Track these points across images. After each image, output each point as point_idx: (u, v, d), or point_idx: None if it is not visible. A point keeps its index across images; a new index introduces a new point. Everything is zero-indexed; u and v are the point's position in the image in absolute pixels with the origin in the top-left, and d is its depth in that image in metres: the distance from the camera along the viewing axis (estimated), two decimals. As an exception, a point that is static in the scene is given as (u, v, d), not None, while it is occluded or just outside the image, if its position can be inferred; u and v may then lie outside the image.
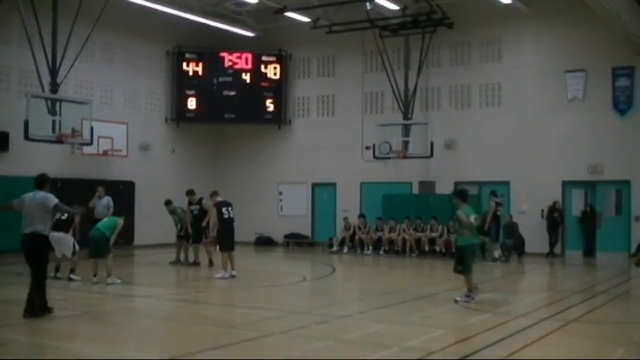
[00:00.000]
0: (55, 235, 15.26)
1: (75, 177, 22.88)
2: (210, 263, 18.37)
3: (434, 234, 23.09)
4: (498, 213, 21.59)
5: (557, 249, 23.12)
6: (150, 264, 20.66)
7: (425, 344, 9.20)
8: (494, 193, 21.95)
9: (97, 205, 19.84)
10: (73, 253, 15.29)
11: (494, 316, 11.41)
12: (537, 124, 23.66)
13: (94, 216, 18.14)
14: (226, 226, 16.37)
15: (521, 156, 23.80)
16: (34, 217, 10.76)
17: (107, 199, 20.40)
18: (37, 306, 10.71)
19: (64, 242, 15.22)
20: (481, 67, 24.86)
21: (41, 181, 11.20)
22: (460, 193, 13.32)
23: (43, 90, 19.77)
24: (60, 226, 15.31)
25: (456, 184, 24.85)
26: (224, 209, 16.34)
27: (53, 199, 10.94)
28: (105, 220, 15.56)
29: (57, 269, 15.44)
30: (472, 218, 12.75)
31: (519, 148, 23.87)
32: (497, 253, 21.25)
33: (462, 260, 12.78)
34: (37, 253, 10.79)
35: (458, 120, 25.00)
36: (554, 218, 22.94)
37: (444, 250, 22.65)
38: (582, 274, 19.72)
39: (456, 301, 12.58)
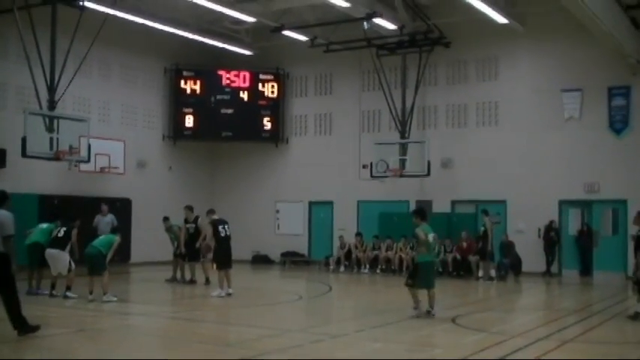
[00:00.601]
0: (51, 252, 15.28)
1: (72, 194, 22.86)
2: (207, 281, 18.33)
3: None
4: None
5: (554, 268, 23.10)
6: (146, 281, 20.60)
7: (421, 363, 9.17)
8: (485, 212, 21.94)
9: (100, 223, 19.86)
10: (69, 270, 15.25)
11: (491, 336, 11.39)
12: (534, 142, 23.71)
13: (97, 233, 18.06)
14: (223, 245, 16.32)
15: (518, 175, 23.82)
16: None
17: (111, 217, 20.45)
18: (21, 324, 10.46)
19: (60, 259, 15.20)
20: (478, 86, 24.94)
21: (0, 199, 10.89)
22: (419, 211, 13.82)
23: (41, 107, 19.80)
24: (56, 243, 15.32)
25: (453, 202, 24.93)
26: (220, 227, 16.31)
27: (10, 228, 10.54)
28: (101, 237, 15.57)
29: (53, 286, 15.40)
30: (430, 237, 13.23)
31: (516, 167, 23.90)
32: (493, 272, 21.23)
33: (415, 275, 13.23)
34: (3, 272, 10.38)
35: (455, 138, 25.05)
36: (551, 237, 22.93)
37: (440, 270, 22.60)
38: (579, 294, 19.70)
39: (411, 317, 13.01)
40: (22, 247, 15.85)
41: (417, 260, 13.57)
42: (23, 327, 10.50)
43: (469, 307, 15.42)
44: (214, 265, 16.56)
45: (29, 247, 15.71)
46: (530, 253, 22.77)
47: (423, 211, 13.90)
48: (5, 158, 21.43)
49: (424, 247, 13.25)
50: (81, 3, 20.19)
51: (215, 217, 16.70)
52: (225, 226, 16.42)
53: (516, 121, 24.15)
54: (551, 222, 23.03)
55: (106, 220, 20.24)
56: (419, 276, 13.15)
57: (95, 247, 15.10)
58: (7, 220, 10.53)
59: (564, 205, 23.56)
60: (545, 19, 23.32)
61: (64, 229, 15.41)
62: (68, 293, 15.13)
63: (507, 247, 22.42)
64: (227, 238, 16.39)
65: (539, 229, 23.23)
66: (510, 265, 22.15)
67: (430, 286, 13.18)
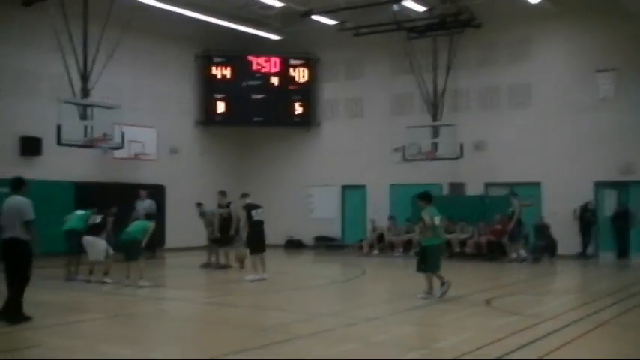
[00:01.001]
0: (88, 239, 15.53)
1: (107, 181, 23.15)
2: (241, 265, 18.45)
3: (464, 235, 22.98)
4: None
5: (590, 250, 22.88)
6: (181, 267, 20.81)
7: (455, 346, 9.16)
8: (514, 194, 21.74)
9: (139, 208, 20.10)
10: (106, 256, 15.48)
11: (525, 318, 11.32)
12: (568, 123, 23.44)
13: (136, 218, 18.22)
14: (256, 229, 16.43)
15: (552, 156, 23.60)
16: (14, 222, 10.48)
17: (149, 202, 20.74)
18: (12, 311, 10.48)
19: (96, 246, 15.44)
20: (510, 68, 24.69)
21: (17, 185, 10.89)
22: (424, 195, 13.79)
23: (75, 95, 20.03)
24: (93, 230, 15.55)
25: (486, 185, 24.77)
26: (253, 211, 16.41)
27: (29, 214, 10.57)
28: (136, 223, 15.71)
29: (90, 272, 15.63)
30: (436, 220, 13.33)
31: (550, 149, 23.67)
32: (523, 252, 21.08)
33: (425, 259, 13.34)
34: (19, 258, 10.53)
35: (487, 121, 24.86)
36: (587, 219, 22.70)
37: (474, 252, 22.55)
38: (615, 276, 19.47)
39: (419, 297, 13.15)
40: (60, 233, 16.17)
41: (424, 244, 13.62)
42: (13, 316, 10.43)
43: (503, 290, 15.35)
44: (248, 250, 16.64)
45: (66, 234, 15.96)
46: (566, 235, 22.56)
47: (428, 194, 13.90)
48: (41, 147, 21.75)
49: (430, 231, 13.34)
50: (112, -9, 20.35)
51: (248, 200, 16.79)
52: (258, 211, 16.52)
53: (550, 102, 23.89)
54: (587, 203, 22.79)
55: (144, 206, 20.50)
56: (428, 259, 13.32)
57: (130, 233, 15.26)
58: (24, 205, 10.59)
59: (600, 186, 23.30)
60: (578, -2, 23.03)
61: (101, 216, 15.62)
62: (105, 279, 15.35)
63: (542, 229, 22.24)
64: (260, 222, 16.48)
65: (575, 211, 23.00)
66: (545, 247, 21.98)
67: (438, 269, 13.39)
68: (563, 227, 22.72)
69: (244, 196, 17.06)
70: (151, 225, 15.67)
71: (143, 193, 21.27)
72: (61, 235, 16.11)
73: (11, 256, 10.50)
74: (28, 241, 10.54)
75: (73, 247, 15.92)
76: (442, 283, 13.27)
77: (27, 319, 10.52)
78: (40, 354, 8.96)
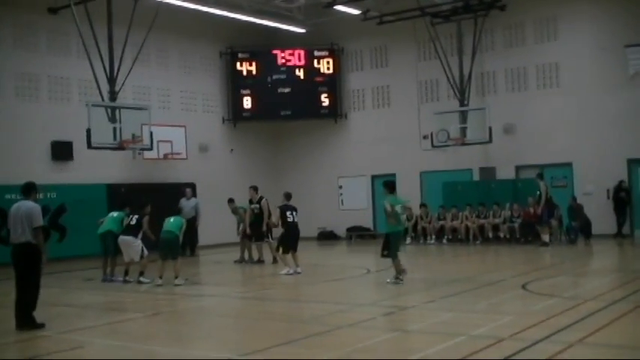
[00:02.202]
0: (124, 239, 15.66)
1: (138, 182, 23.35)
2: (275, 260, 18.52)
3: (497, 220, 22.86)
4: (549, 195, 21.23)
5: (626, 229, 22.61)
6: (215, 263, 20.94)
7: (494, 331, 9.12)
8: (540, 176, 21.51)
9: (185, 206, 20.30)
10: (142, 256, 15.61)
11: (564, 301, 11.25)
12: (598, 102, 23.17)
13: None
14: (291, 230, 16.56)
15: (583, 136, 23.35)
16: (24, 227, 10.35)
17: (195, 201, 20.93)
18: (25, 319, 10.34)
19: (133, 246, 15.57)
20: (537, 48, 24.44)
21: (26, 190, 10.78)
22: (387, 183, 14.24)
23: (103, 98, 20.23)
24: (129, 230, 15.68)
25: (517, 168, 24.61)
26: (288, 213, 16.51)
27: (38, 220, 10.43)
28: (171, 221, 15.71)
29: (126, 273, 15.78)
30: (398, 207, 13.78)
31: (580, 128, 23.41)
32: (545, 237, 20.87)
33: (388, 246, 13.83)
34: (31, 264, 10.41)
35: (515, 103, 24.65)
36: (621, 198, 22.44)
37: (508, 236, 22.43)
38: (653, 254, 19.27)
39: (387, 282, 13.90)
40: (95, 235, 16.37)
41: (387, 231, 14.08)
42: (25, 321, 10.36)
43: (539, 273, 15.24)
44: (280, 249, 16.72)
45: (102, 236, 16.12)
46: (600, 215, 22.33)
47: (391, 183, 14.36)
48: (72, 150, 22.00)
49: (393, 218, 13.75)
50: (135, -7, 20.47)
51: (286, 202, 16.83)
52: (293, 212, 16.60)
53: (579, 80, 23.62)
54: (621, 182, 22.53)
55: (190, 204, 20.66)
56: (392, 246, 13.80)
57: (172, 232, 15.28)
58: (34, 210, 10.45)
59: (633, 164, 22.99)
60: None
61: (136, 216, 15.74)
62: (142, 278, 15.47)
63: (576, 210, 22.01)
64: (295, 223, 16.57)
65: (609, 190, 22.75)
66: (580, 229, 21.77)
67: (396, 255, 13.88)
68: (597, 207, 22.49)
69: (285, 196, 17.04)
70: (184, 222, 15.76)
71: (188, 191, 21.53)
72: (97, 238, 16.31)
73: (22, 262, 10.41)
74: (38, 246, 10.47)
75: (109, 248, 16.08)
76: (399, 276, 13.90)
77: (40, 326, 10.38)
78: (84, 355, 9.07)
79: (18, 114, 21.26)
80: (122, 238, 15.70)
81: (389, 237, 13.94)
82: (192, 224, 20.73)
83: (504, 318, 10.06)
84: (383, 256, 14.09)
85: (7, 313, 10.54)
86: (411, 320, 10.41)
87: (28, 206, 10.48)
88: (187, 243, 20.87)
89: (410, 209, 14.62)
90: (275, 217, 17.17)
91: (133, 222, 15.69)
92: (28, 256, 10.38)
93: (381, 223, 27.39)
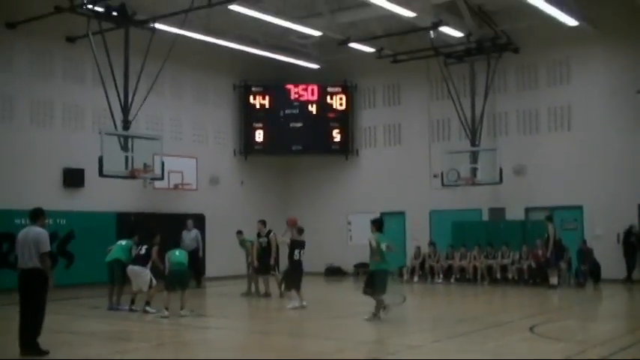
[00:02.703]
0: (134, 269, 15.67)
1: (148, 211, 23.38)
2: (281, 294, 18.46)
3: (505, 261, 22.76)
4: (557, 237, 21.16)
5: (636, 274, 22.43)
6: (221, 295, 20.88)
7: (501, 374, 9.04)
8: (549, 218, 21.46)
9: (185, 238, 20.32)
10: (150, 286, 15.60)
11: (571, 345, 11.15)
12: (609, 146, 23.16)
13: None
14: (295, 268, 16.53)
15: (594, 179, 23.30)
16: (31, 252, 10.35)
17: (195, 232, 21.00)
18: (29, 346, 10.24)
19: (142, 276, 15.56)
20: (549, 91, 24.52)
21: (34, 215, 10.75)
22: (375, 221, 14.39)
23: (116, 127, 20.36)
24: (138, 260, 15.70)
25: (527, 209, 24.52)
26: (296, 251, 16.46)
27: (45, 246, 10.44)
28: (177, 254, 15.70)
29: (132, 302, 15.76)
30: (383, 246, 13.85)
31: (591, 172, 23.37)
32: (554, 280, 20.73)
33: (372, 283, 13.91)
34: (38, 289, 10.39)
35: (527, 145, 24.68)
36: (631, 243, 22.29)
37: (516, 277, 22.30)
38: (662, 300, 19.10)
39: (365, 319, 13.85)
40: (103, 263, 16.40)
41: (372, 268, 14.15)
42: (29, 347, 10.26)
43: (547, 316, 15.13)
44: (282, 285, 16.70)
45: (110, 264, 16.15)
46: (610, 259, 22.19)
47: (379, 221, 14.51)
48: (84, 178, 22.11)
49: (378, 256, 13.84)
50: (152, 25, 20.71)
51: (298, 238, 16.77)
52: (301, 251, 16.55)
53: (590, 124, 23.64)
54: (631, 227, 22.41)
55: (191, 236, 20.66)
56: (376, 284, 13.86)
57: (184, 263, 15.38)
58: (42, 236, 10.45)
59: (644, 209, 22.90)
60: (617, 20, 22.81)
61: (146, 246, 15.77)
62: (148, 308, 15.44)
63: (585, 254, 21.90)
64: (299, 262, 16.53)
65: (619, 235, 22.63)
66: (589, 272, 21.64)
67: (384, 292, 13.98)
68: (607, 251, 22.36)
69: (298, 230, 16.86)
70: (186, 254, 15.91)
71: (190, 222, 21.54)
72: (105, 265, 16.33)
73: (29, 287, 10.38)
74: (45, 272, 10.46)
75: (116, 277, 16.09)
76: (384, 307, 13.92)
77: (44, 352, 10.29)
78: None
79: (32, 140, 21.42)
80: (131, 268, 15.71)
81: (374, 274, 14.00)
82: (195, 255, 20.77)
83: (511, 360, 9.98)
84: (365, 293, 14.08)
85: (12, 338, 10.51)
86: None
87: (36, 232, 10.49)
88: (192, 274, 20.83)
89: (393, 250, 14.63)
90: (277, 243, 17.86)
91: (143, 252, 15.71)
92: (34, 282, 10.37)
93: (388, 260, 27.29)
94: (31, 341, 10.31)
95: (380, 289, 13.91)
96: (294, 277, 16.53)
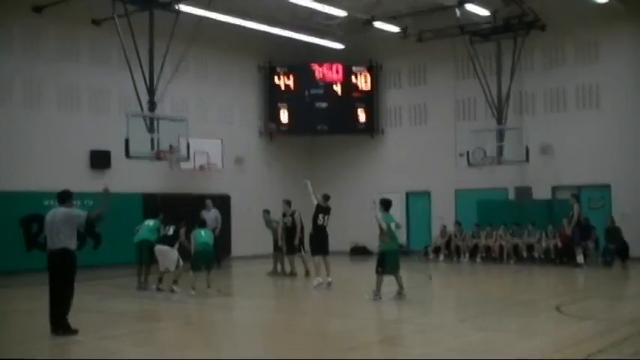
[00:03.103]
0: (161, 249, 15.82)
1: (174, 192, 23.53)
2: (307, 273, 18.55)
3: (531, 240, 22.64)
4: (583, 216, 21.00)
5: (664, 253, 22.25)
6: (247, 275, 21.02)
7: (527, 353, 9.04)
8: (575, 197, 21.26)
9: (206, 218, 20.40)
10: (177, 266, 15.76)
11: (598, 324, 11.11)
12: (637, 124, 22.88)
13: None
14: (318, 233, 16.64)
15: (622, 158, 23.05)
16: (60, 232, 10.54)
17: (215, 212, 21.03)
18: (59, 325, 10.44)
19: (169, 256, 15.72)
20: (577, 69, 24.22)
21: (62, 197, 10.92)
22: (383, 202, 14.70)
23: (142, 109, 20.48)
24: (166, 240, 15.85)
25: (554, 188, 24.34)
26: (320, 215, 16.55)
27: (82, 215, 10.82)
28: (202, 234, 15.82)
29: (160, 281, 15.91)
30: (392, 226, 14.21)
31: (619, 150, 23.12)
32: (580, 258, 20.59)
33: (383, 263, 14.06)
34: (67, 270, 10.60)
35: (553, 124, 24.44)
36: (659, 221, 22.09)
37: (542, 256, 22.19)
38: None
39: (366, 298, 13.99)
40: (131, 244, 16.58)
41: (382, 249, 14.25)
42: (59, 325, 10.45)
43: (574, 295, 15.09)
44: (310, 251, 16.85)
45: (138, 245, 16.31)
46: (638, 238, 21.98)
47: (387, 201, 14.71)
48: (110, 160, 22.30)
49: (387, 237, 14.08)
50: (176, 7, 20.74)
51: (323, 204, 16.86)
52: (326, 216, 16.70)
53: (618, 103, 23.35)
54: (659, 205, 22.19)
55: (211, 216, 20.79)
56: (386, 263, 14.02)
57: (210, 244, 15.57)
58: (72, 212, 10.75)
59: (673, 187, 22.64)
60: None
61: (173, 227, 15.93)
62: (174, 287, 15.60)
63: (613, 233, 21.71)
64: (323, 227, 16.62)
65: (647, 213, 22.41)
66: (617, 251, 21.47)
67: (397, 271, 14.18)
68: (634, 230, 22.14)
69: (325, 198, 17.10)
70: (212, 233, 16.15)
71: (209, 202, 21.59)
72: (132, 246, 16.51)
73: (58, 267, 10.55)
74: (74, 251, 10.66)
75: (144, 257, 16.24)
76: (400, 287, 14.12)
77: (74, 331, 10.49)
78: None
79: (59, 123, 21.63)
80: (159, 248, 15.86)
81: (384, 254, 14.12)
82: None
83: (537, 339, 9.97)
84: (377, 272, 14.14)
85: (43, 318, 10.69)
86: (442, 338, 10.32)
87: (64, 212, 10.67)
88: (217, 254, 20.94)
89: (399, 227, 14.78)
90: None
91: (170, 232, 15.87)
92: (63, 262, 10.54)
93: (413, 240, 27.33)
94: (62, 320, 10.48)
95: (391, 268, 14.09)
96: (317, 241, 16.62)
